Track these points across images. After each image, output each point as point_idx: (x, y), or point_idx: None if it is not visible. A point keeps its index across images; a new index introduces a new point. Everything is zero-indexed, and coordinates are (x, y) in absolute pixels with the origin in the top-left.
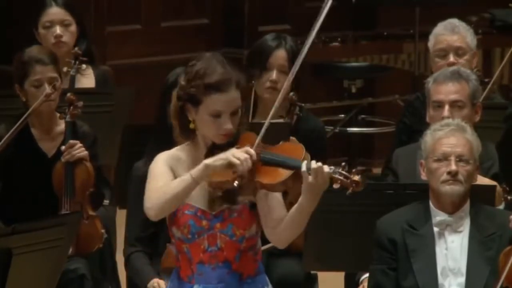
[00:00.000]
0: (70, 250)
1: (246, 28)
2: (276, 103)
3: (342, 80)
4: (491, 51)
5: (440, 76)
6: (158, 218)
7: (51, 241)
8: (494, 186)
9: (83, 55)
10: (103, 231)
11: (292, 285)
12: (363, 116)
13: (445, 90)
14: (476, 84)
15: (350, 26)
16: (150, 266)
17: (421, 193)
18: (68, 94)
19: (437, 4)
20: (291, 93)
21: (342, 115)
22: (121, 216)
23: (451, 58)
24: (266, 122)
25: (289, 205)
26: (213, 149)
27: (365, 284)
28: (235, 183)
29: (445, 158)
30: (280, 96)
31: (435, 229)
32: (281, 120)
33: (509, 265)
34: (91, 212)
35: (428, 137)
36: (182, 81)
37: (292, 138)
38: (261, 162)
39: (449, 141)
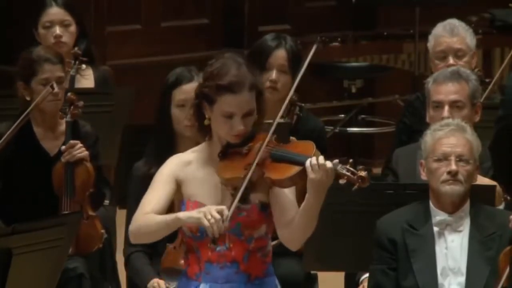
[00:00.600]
0: (70, 250)
1: (246, 28)
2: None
3: (342, 80)
4: (491, 51)
5: (440, 76)
6: (136, 243)
7: (51, 241)
8: (494, 186)
9: (83, 55)
10: (103, 231)
11: (292, 285)
12: (363, 116)
13: (445, 90)
14: (476, 84)
15: (350, 26)
16: (150, 266)
17: (421, 193)
18: (69, 94)
19: (437, 4)
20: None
21: (342, 115)
22: (121, 216)
23: (451, 60)
24: (276, 121)
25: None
26: (227, 147)
27: (365, 284)
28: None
29: (445, 158)
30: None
31: (435, 229)
32: (281, 120)
33: (509, 265)
34: (91, 212)
35: (428, 137)
36: (200, 80)
37: (292, 138)
38: (271, 159)
39: (449, 141)
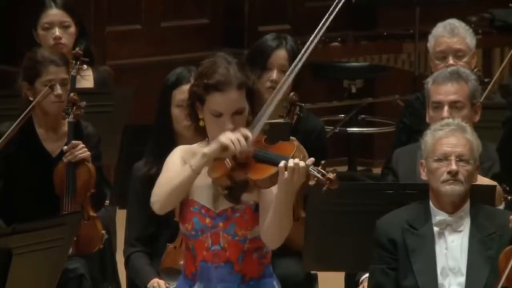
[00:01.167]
0: (70, 250)
1: (246, 28)
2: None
3: (342, 80)
4: (491, 51)
5: (439, 76)
6: (163, 211)
7: (51, 241)
8: (494, 186)
9: (83, 56)
10: (103, 232)
11: (292, 285)
12: (363, 116)
13: (444, 91)
14: (476, 84)
15: (350, 26)
16: (150, 266)
17: (421, 193)
18: (71, 94)
19: (437, 4)
20: (291, 93)
21: (342, 115)
22: (121, 216)
23: (451, 60)
24: (263, 121)
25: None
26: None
27: (365, 284)
28: (227, 164)
29: (445, 158)
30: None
31: (435, 229)
32: (281, 120)
33: (509, 265)
34: (92, 213)
35: (428, 137)
36: (192, 79)
37: (292, 138)
38: (254, 159)
39: (449, 141)
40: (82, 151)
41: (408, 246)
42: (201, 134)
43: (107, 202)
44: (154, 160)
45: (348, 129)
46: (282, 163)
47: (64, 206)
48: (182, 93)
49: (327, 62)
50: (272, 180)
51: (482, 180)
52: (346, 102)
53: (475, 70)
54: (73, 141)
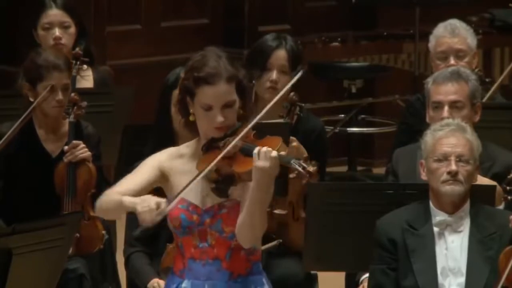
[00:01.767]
0: (71, 250)
1: (246, 28)
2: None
3: (342, 80)
4: (491, 51)
5: (440, 76)
6: (98, 215)
7: (51, 241)
8: (494, 186)
9: (83, 55)
10: (103, 232)
11: (292, 285)
12: (363, 116)
13: (445, 91)
14: (476, 84)
15: (350, 26)
16: (150, 266)
17: (421, 193)
18: (72, 94)
19: (437, 4)
20: (291, 93)
21: (342, 115)
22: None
23: (452, 60)
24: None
25: (288, 204)
26: (211, 142)
27: (365, 284)
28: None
29: (445, 158)
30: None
31: (435, 229)
32: (281, 120)
33: (509, 265)
34: (92, 213)
35: (428, 137)
36: (182, 74)
37: (292, 138)
38: (240, 153)
39: (449, 141)
40: (82, 151)
41: (408, 246)
42: (191, 129)
43: None
44: None
45: (348, 129)
46: (256, 150)
47: (64, 206)
48: None
49: (327, 62)
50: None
51: (482, 180)
52: (346, 102)
53: (476, 70)
54: (74, 141)
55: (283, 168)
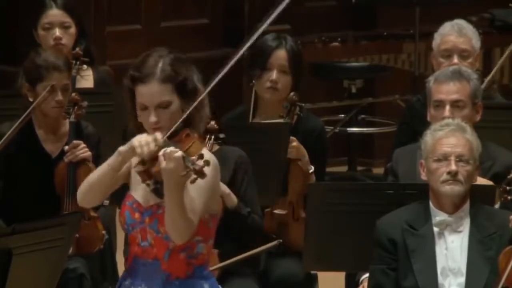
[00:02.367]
0: (71, 250)
1: (246, 28)
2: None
3: (342, 80)
4: (491, 51)
5: (441, 75)
6: (83, 205)
7: (51, 241)
8: (494, 186)
9: (83, 55)
10: (104, 232)
11: (292, 285)
12: (363, 116)
13: (446, 90)
14: (477, 84)
15: (350, 26)
16: None
17: (421, 193)
18: (73, 94)
19: (437, 4)
20: (292, 93)
21: (342, 115)
22: None
23: (455, 59)
24: (188, 111)
25: (288, 204)
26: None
27: (365, 284)
28: (136, 168)
29: (445, 158)
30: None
31: (435, 229)
32: (281, 120)
33: (510, 266)
34: (92, 213)
35: (428, 137)
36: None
37: (292, 138)
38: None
39: (449, 141)
40: (83, 151)
41: (408, 246)
42: (141, 131)
43: (106, 202)
44: None
45: (348, 129)
46: (161, 152)
47: (64, 206)
48: None
49: (327, 62)
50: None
51: (480, 181)
52: (346, 102)
53: (474, 70)
54: (74, 141)
55: (283, 166)
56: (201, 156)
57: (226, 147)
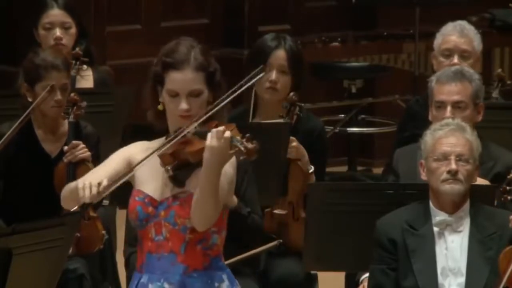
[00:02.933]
0: (71, 250)
1: (246, 28)
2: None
3: (342, 80)
4: (491, 51)
5: (443, 76)
6: (64, 207)
7: (51, 241)
8: (494, 186)
9: (83, 56)
10: (103, 232)
11: (292, 285)
12: (363, 116)
13: (448, 91)
14: (479, 84)
15: (350, 26)
16: None
17: (421, 193)
18: (72, 94)
19: (437, 4)
20: (291, 93)
21: (342, 115)
22: (121, 216)
23: (455, 59)
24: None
25: (288, 204)
26: (175, 132)
27: (365, 284)
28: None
29: (445, 157)
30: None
31: (435, 229)
32: (281, 120)
33: (511, 266)
34: (92, 213)
35: (428, 137)
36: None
37: (292, 138)
38: (196, 136)
39: (448, 140)
40: (82, 151)
41: (408, 246)
42: (160, 120)
43: (106, 202)
44: None
45: (348, 129)
46: (209, 132)
47: None
48: None
49: (327, 62)
50: (202, 152)
51: (480, 181)
52: (346, 102)
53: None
54: (74, 141)
55: (283, 166)
56: (248, 138)
57: None
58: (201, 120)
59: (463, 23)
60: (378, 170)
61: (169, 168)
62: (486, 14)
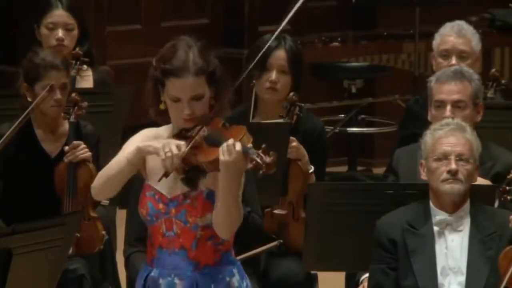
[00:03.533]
0: (71, 250)
1: (246, 28)
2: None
3: (342, 80)
4: (491, 51)
5: (443, 75)
6: (99, 198)
7: (51, 241)
8: (494, 186)
9: (84, 57)
10: (103, 232)
11: (292, 285)
12: (363, 116)
13: (447, 90)
14: (479, 84)
15: (350, 26)
16: None
17: (421, 193)
18: (73, 94)
19: (437, 4)
20: (291, 93)
21: (342, 115)
22: (121, 216)
23: (453, 60)
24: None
25: (288, 204)
26: (181, 131)
27: (365, 284)
28: (163, 177)
29: (445, 157)
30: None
31: (435, 228)
32: (281, 120)
33: (511, 266)
34: (92, 213)
35: (428, 137)
36: (153, 61)
37: (292, 138)
38: (205, 142)
39: (448, 140)
40: (83, 151)
41: (408, 246)
42: (163, 118)
43: (106, 202)
44: None
45: (348, 129)
46: (222, 145)
47: (64, 206)
48: None
49: (327, 62)
50: (216, 163)
51: (480, 181)
52: (346, 102)
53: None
54: (74, 141)
55: (283, 166)
56: (264, 150)
57: None
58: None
59: (461, 23)
60: (378, 170)
61: (180, 172)
62: (486, 14)
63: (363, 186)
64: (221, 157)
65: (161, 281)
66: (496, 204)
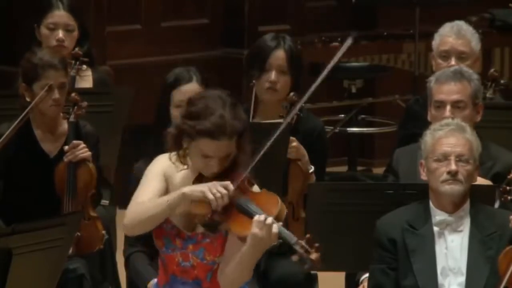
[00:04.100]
0: (71, 250)
1: (246, 28)
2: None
3: (342, 80)
4: (491, 51)
5: (442, 75)
6: (130, 234)
7: (51, 241)
8: (494, 186)
9: (83, 57)
10: (103, 232)
11: (292, 285)
12: (363, 116)
13: (447, 90)
14: (478, 84)
15: (350, 26)
16: (150, 266)
17: (421, 193)
18: (73, 94)
19: (437, 4)
20: (292, 93)
21: (342, 115)
22: (121, 216)
23: (453, 61)
24: (252, 164)
25: (288, 205)
26: (201, 178)
27: (365, 284)
28: (207, 218)
29: (445, 157)
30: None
31: (435, 228)
32: (281, 120)
33: (511, 267)
34: (92, 213)
35: (428, 137)
36: (182, 113)
37: (292, 138)
38: (235, 208)
39: (448, 141)
40: (83, 151)
41: (408, 246)
42: (181, 161)
43: (106, 202)
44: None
45: (348, 129)
46: (256, 217)
47: (64, 206)
48: (181, 93)
49: (327, 62)
50: (245, 238)
51: (480, 181)
52: (346, 102)
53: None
54: (74, 141)
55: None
56: (309, 240)
57: None
58: (243, 177)
59: (460, 24)
60: (378, 170)
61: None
62: (486, 14)
63: (363, 186)
64: (255, 230)
65: None
66: (497, 204)
